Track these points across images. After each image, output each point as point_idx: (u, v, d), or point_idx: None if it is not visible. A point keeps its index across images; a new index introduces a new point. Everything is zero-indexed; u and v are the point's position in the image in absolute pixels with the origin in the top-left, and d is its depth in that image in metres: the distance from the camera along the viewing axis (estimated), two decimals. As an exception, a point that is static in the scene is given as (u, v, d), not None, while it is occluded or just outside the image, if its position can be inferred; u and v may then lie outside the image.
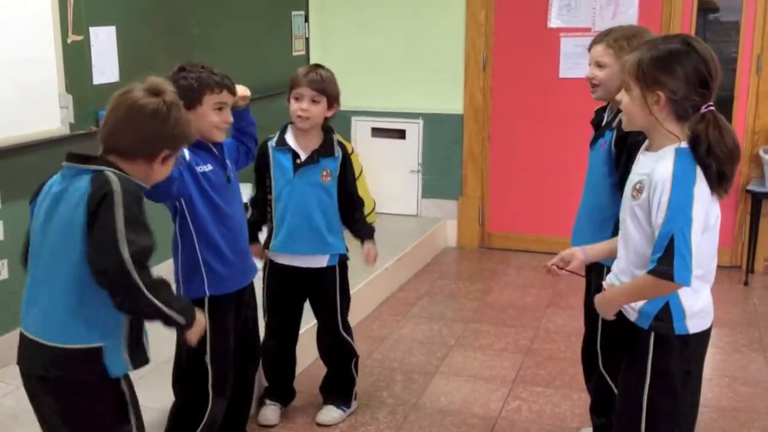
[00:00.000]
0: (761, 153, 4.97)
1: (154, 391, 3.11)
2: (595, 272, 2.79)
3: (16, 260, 3.41)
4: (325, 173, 3.15)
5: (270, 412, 3.30)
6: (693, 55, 2.13)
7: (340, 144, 3.23)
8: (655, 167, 2.14)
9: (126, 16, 3.90)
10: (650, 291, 2.17)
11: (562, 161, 5.28)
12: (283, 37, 5.45)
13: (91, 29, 3.67)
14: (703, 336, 2.28)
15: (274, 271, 3.23)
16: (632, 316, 2.25)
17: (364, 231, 3.34)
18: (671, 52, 2.14)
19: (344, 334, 3.32)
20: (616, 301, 2.28)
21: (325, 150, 3.15)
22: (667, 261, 2.08)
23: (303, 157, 3.12)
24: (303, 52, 5.66)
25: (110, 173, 1.99)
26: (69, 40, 3.53)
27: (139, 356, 2.11)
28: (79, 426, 2.06)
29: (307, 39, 5.71)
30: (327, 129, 3.18)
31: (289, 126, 3.17)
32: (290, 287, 3.25)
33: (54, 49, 3.43)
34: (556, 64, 5.38)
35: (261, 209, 3.20)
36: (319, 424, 3.31)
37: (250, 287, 2.88)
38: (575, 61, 5.25)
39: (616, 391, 2.53)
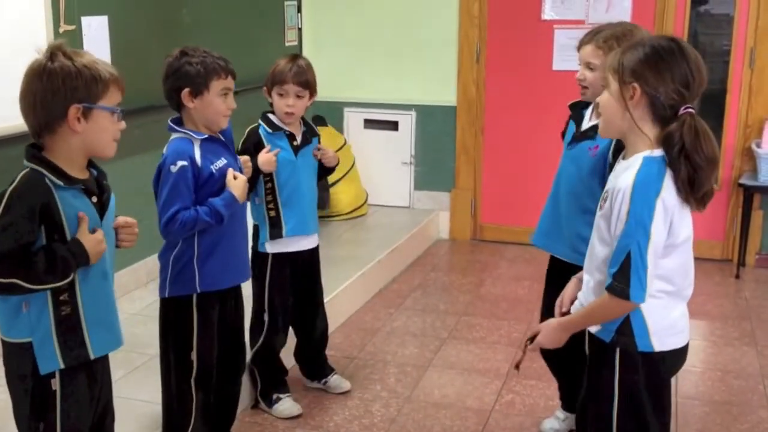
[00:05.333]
0: (753, 146, 4.98)
1: (146, 386, 3.11)
2: (557, 270, 2.79)
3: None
4: (315, 149, 3.27)
5: (291, 404, 3.34)
6: (678, 54, 2.04)
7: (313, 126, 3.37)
8: (621, 175, 2.06)
9: (118, 5, 3.87)
10: (606, 312, 2.09)
11: (555, 153, 5.21)
12: (276, 27, 5.42)
13: (83, 19, 3.64)
14: (673, 355, 2.16)
15: (279, 264, 3.24)
16: (593, 328, 2.16)
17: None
18: (655, 47, 2.05)
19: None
20: (568, 328, 2.21)
21: (311, 130, 3.29)
22: (623, 278, 2.00)
23: (299, 139, 3.21)
24: (295, 43, 5.64)
25: (24, 173, 1.98)
26: (61, 30, 3.51)
27: (73, 353, 2.03)
28: (14, 412, 2.09)
29: (300, 29, 5.68)
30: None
31: (269, 115, 3.21)
32: (295, 274, 3.29)
33: (46, 38, 3.40)
34: (550, 56, 5.37)
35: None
36: (339, 393, 3.50)
37: (239, 289, 2.86)
38: (569, 54, 5.20)
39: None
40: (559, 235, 2.87)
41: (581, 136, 2.77)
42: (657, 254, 2.01)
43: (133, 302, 3.96)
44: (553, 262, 2.99)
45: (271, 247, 3.21)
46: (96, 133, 2.00)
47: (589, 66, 2.68)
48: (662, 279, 2.07)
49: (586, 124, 2.79)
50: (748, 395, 3.56)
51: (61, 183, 1.97)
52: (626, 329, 2.10)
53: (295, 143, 3.19)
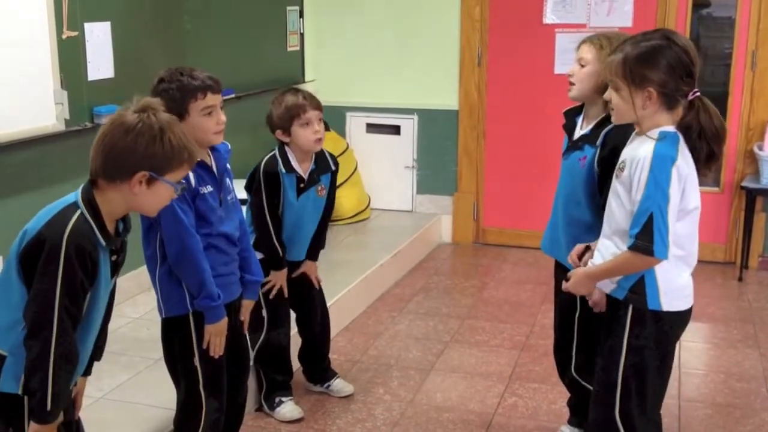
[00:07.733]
0: (755, 149, 4.98)
1: (150, 390, 3.12)
2: (564, 273, 2.79)
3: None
4: (320, 188, 3.28)
5: (293, 408, 3.34)
6: (674, 48, 2.23)
7: (331, 155, 3.34)
8: (639, 147, 2.25)
9: (121, 11, 3.88)
10: (629, 266, 2.27)
11: (557, 157, 5.25)
12: (278, 32, 5.43)
13: (86, 25, 3.65)
14: (678, 317, 2.35)
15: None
16: (608, 288, 2.34)
17: (318, 245, 3.42)
18: (654, 47, 2.23)
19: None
20: (594, 277, 2.36)
21: (323, 167, 3.27)
22: (646, 237, 2.18)
23: (306, 179, 3.21)
24: (297, 48, 5.65)
25: (77, 218, 1.93)
26: (64, 36, 3.52)
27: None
28: None
29: (302, 34, 5.70)
30: None
31: (286, 148, 3.18)
32: (289, 275, 3.31)
33: (49, 44, 3.41)
34: (551, 60, 5.37)
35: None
36: (342, 397, 3.52)
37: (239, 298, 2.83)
38: (570, 57, 5.14)
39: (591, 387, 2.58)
40: (559, 242, 2.89)
41: (572, 147, 2.82)
42: (675, 214, 2.20)
43: (136, 306, 3.97)
44: (558, 267, 2.98)
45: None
46: (149, 198, 2.00)
47: (580, 62, 2.76)
48: (674, 244, 2.23)
49: (577, 134, 2.83)
50: (751, 398, 3.56)
51: (103, 243, 1.97)
52: (639, 288, 2.28)
53: (301, 185, 3.19)
